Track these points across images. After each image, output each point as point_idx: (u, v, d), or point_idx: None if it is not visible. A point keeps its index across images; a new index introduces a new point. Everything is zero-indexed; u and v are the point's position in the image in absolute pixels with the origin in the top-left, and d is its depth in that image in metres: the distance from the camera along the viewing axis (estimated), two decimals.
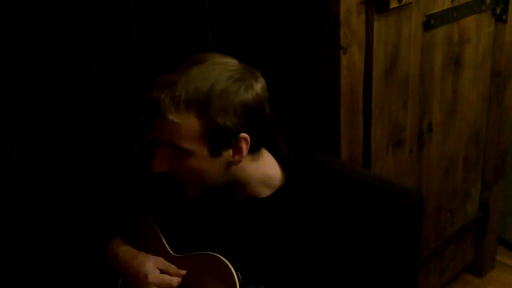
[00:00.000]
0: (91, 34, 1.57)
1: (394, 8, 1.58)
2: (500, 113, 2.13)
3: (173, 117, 1.11)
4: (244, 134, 1.15)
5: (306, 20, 1.60)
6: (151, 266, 1.27)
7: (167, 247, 1.30)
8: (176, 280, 1.24)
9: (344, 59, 1.55)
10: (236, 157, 1.17)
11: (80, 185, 1.59)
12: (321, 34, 1.57)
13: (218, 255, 1.20)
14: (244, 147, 1.16)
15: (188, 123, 1.12)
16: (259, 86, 1.16)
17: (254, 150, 1.19)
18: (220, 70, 1.13)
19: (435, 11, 1.74)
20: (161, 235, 1.32)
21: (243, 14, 1.75)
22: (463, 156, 2.09)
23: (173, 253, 1.29)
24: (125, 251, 1.33)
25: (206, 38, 1.74)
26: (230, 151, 1.16)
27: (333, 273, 1.19)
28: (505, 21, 1.98)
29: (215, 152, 1.15)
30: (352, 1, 1.51)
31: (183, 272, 1.25)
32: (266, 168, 1.24)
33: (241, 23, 1.76)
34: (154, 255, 1.31)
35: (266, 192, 1.25)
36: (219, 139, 1.14)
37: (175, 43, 1.70)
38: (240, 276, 1.17)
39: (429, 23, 1.73)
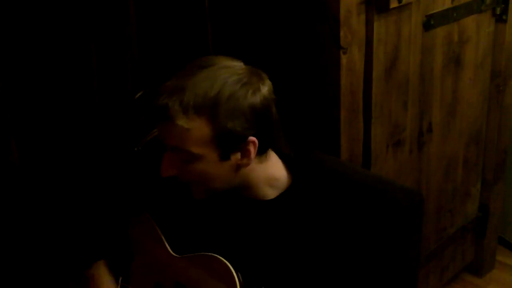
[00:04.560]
0: (91, 34, 1.57)
1: (394, 8, 1.58)
2: (500, 113, 2.13)
3: (182, 122, 1.11)
4: (252, 138, 1.15)
5: (306, 20, 1.60)
6: None
7: (168, 247, 1.30)
8: None
9: (344, 59, 1.55)
10: (245, 160, 1.17)
11: (80, 185, 1.59)
12: (321, 34, 1.57)
13: (218, 256, 1.19)
14: (253, 150, 1.16)
15: (197, 128, 1.12)
16: (266, 89, 1.16)
17: (261, 152, 1.19)
18: (228, 74, 1.13)
19: (435, 11, 1.74)
20: (161, 235, 1.32)
21: (243, 15, 1.75)
22: (463, 156, 2.09)
23: (173, 254, 1.29)
24: (101, 276, 1.37)
25: (206, 38, 1.74)
26: (239, 155, 1.16)
27: (334, 273, 1.19)
28: (505, 21, 1.98)
29: (224, 156, 1.15)
30: (352, 1, 1.51)
31: None
32: (272, 170, 1.25)
33: (241, 23, 1.76)
34: (154, 255, 1.32)
35: (271, 194, 1.25)
36: (228, 143, 1.14)
37: (175, 43, 1.70)
38: (240, 277, 1.17)
39: (429, 23, 1.73)
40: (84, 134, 1.62)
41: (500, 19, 1.97)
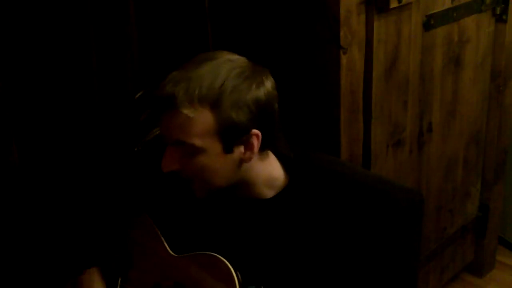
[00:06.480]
0: (91, 34, 1.57)
1: (394, 8, 1.58)
2: (500, 113, 2.13)
3: (187, 111, 1.11)
4: (256, 130, 1.15)
5: (306, 20, 1.60)
6: None
7: (167, 247, 1.30)
8: None
9: (344, 59, 1.55)
10: (247, 154, 1.18)
11: (80, 185, 1.59)
12: (321, 34, 1.57)
13: (217, 255, 1.19)
14: (256, 143, 1.17)
15: (202, 118, 1.12)
16: (269, 83, 1.17)
17: (263, 148, 1.20)
18: (231, 67, 1.14)
19: (435, 11, 1.74)
20: (160, 235, 1.32)
21: (243, 14, 1.75)
22: (463, 156, 2.09)
23: (172, 253, 1.29)
24: (92, 284, 1.36)
25: (206, 38, 1.74)
26: (242, 148, 1.17)
27: (333, 273, 1.19)
28: (505, 21, 1.98)
29: (227, 148, 1.16)
30: (352, 1, 1.51)
31: None
32: (271, 169, 1.25)
33: (241, 23, 1.76)
34: (153, 255, 1.32)
35: (269, 193, 1.26)
36: (231, 135, 1.14)
37: (175, 43, 1.70)
38: (239, 276, 1.17)
39: (429, 23, 1.73)
40: (84, 134, 1.62)
41: (500, 19, 1.97)
